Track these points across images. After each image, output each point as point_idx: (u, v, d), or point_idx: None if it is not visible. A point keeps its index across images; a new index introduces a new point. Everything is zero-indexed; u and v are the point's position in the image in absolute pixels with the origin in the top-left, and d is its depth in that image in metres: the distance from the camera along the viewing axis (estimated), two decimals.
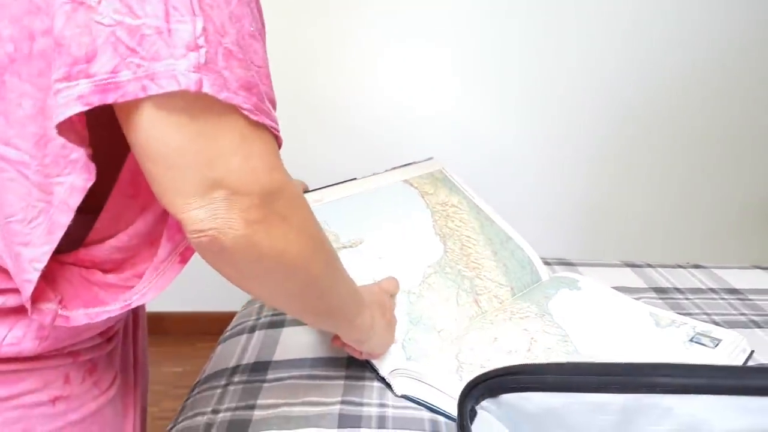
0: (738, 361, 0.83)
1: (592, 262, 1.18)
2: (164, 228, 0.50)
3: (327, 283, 0.56)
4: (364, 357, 0.77)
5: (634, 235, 2.14)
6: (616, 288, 1.05)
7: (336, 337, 0.74)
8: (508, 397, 0.56)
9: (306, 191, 0.95)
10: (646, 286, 1.07)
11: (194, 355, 2.26)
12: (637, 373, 0.56)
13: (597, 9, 1.85)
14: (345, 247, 0.89)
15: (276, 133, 0.45)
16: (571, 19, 1.86)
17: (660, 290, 1.06)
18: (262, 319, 0.94)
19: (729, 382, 0.56)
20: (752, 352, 0.86)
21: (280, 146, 0.46)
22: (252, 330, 0.92)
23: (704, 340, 0.85)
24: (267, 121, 0.43)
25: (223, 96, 0.39)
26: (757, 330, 0.93)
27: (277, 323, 0.92)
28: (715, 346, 0.84)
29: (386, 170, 1.07)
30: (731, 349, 0.83)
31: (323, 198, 0.95)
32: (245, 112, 0.41)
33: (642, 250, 2.13)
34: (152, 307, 2.40)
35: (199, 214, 0.41)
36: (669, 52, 1.91)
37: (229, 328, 0.97)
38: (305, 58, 1.90)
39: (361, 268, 0.86)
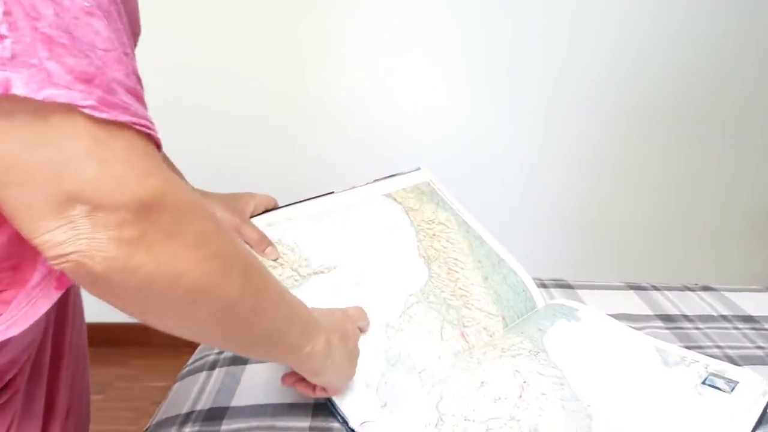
0: (758, 408, 0.73)
1: (592, 284, 1.08)
2: (27, 249, 0.42)
3: (250, 306, 0.47)
4: (317, 394, 0.67)
5: (633, 246, 2.04)
6: (619, 315, 0.95)
7: (286, 375, 0.65)
8: None
9: (275, 208, 0.85)
10: (652, 313, 0.98)
11: (179, 368, 2.17)
12: None
13: (592, 9, 1.76)
14: (317, 273, 0.79)
15: (146, 130, 0.37)
16: (565, 20, 1.77)
17: (667, 318, 0.96)
18: (225, 354, 0.85)
19: None
20: None
21: (159, 146, 0.38)
22: (213, 366, 0.82)
23: (719, 383, 0.75)
24: (125, 118, 0.35)
25: (44, 94, 0.32)
26: None
27: (240, 359, 0.83)
28: (732, 390, 0.74)
29: (367, 183, 0.97)
30: (750, 394, 0.74)
31: (294, 215, 0.85)
32: (87, 110, 0.33)
33: (641, 261, 2.04)
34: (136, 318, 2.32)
35: (57, 236, 0.34)
36: (666, 55, 1.82)
37: (189, 362, 0.88)
38: (294, 61, 1.81)
39: (334, 296, 0.77)
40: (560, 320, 0.87)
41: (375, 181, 0.97)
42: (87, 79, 0.34)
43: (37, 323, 0.54)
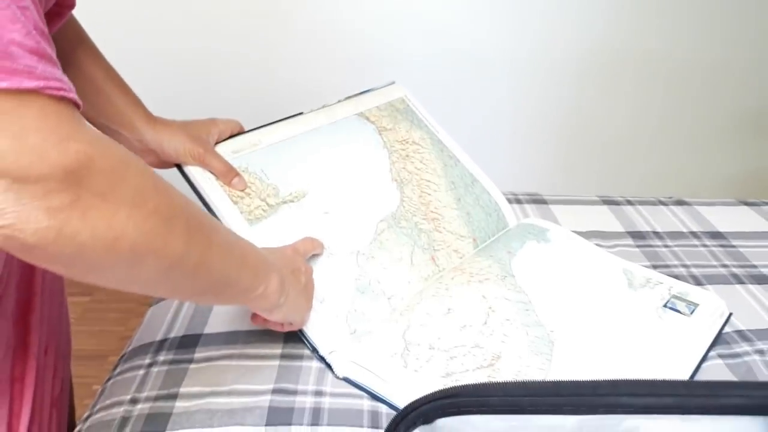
0: (714, 329, 0.76)
1: (566, 198, 1.08)
2: None
3: (196, 259, 0.46)
4: (287, 328, 0.69)
5: (614, 150, 2.04)
6: (591, 233, 0.97)
7: (254, 314, 0.66)
8: (444, 422, 0.49)
9: (240, 133, 0.83)
10: (623, 230, 0.99)
11: None
12: (594, 393, 0.49)
13: None
14: (286, 202, 0.78)
15: (58, 93, 0.35)
16: None
17: (637, 235, 0.98)
18: None
19: (699, 402, 0.49)
20: (730, 315, 0.79)
21: (77, 105, 0.37)
22: None
23: (679, 306, 0.77)
24: (30, 83, 0.33)
25: None
26: (737, 286, 0.86)
27: None
28: (691, 313, 0.76)
29: (339, 101, 0.94)
30: (708, 316, 0.76)
31: (261, 141, 0.83)
32: None
33: (623, 166, 2.04)
34: None
35: None
36: None
37: None
38: None
39: (304, 226, 0.77)
40: (530, 242, 0.88)
41: (347, 98, 0.94)
42: None
43: None
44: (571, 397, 0.48)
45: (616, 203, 1.08)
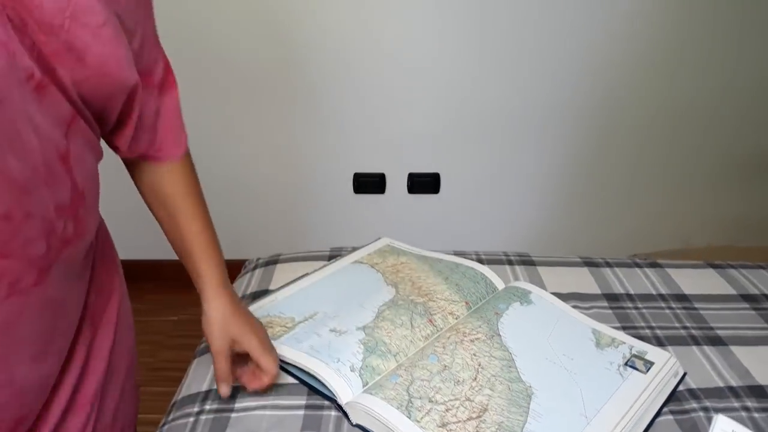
0: (668, 387, 0.90)
1: (551, 260, 1.23)
2: None
3: None
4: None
5: (611, 192, 2.18)
6: (571, 294, 1.11)
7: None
8: None
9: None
10: (600, 292, 1.14)
11: (190, 302, 2.32)
12: None
13: None
14: (300, 323, 0.97)
15: None
16: None
17: (611, 297, 1.12)
18: None
19: None
20: (684, 375, 0.93)
21: None
22: None
23: (638, 364, 0.92)
24: None
25: None
26: (694, 347, 1.00)
27: None
28: (647, 371, 0.91)
29: (333, 260, 1.16)
30: (662, 375, 0.91)
31: (277, 298, 1.05)
32: None
33: (620, 201, 2.18)
34: (149, 255, 2.46)
35: None
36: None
37: (204, 338, 1.03)
38: (281, 12, 1.87)
39: (316, 328, 0.96)
40: (515, 303, 1.03)
41: (340, 257, 1.16)
42: None
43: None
44: None
45: (596, 265, 1.23)
